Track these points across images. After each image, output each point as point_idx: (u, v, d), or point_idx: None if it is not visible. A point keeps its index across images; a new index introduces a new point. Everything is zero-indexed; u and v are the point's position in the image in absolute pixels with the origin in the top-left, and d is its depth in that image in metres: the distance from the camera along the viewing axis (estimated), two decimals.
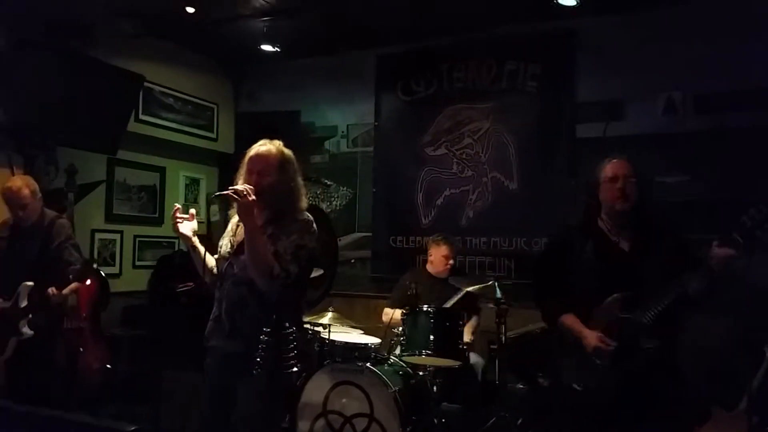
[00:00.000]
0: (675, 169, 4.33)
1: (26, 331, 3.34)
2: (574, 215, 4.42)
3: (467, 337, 3.86)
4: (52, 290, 3.31)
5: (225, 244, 2.50)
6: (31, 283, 3.37)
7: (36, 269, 3.41)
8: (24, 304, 3.36)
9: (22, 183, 3.49)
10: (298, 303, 2.43)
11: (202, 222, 5.97)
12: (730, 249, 2.12)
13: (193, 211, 2.48)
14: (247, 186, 2.27)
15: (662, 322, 2.27)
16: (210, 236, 5.92)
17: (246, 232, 2.27)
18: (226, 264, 2.42)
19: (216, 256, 2.54)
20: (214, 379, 2.41)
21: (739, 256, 2.12)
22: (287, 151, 2.45)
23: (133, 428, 1.41)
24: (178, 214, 2.43)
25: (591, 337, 2.34)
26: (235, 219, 2.47)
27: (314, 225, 2.41)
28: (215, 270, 2.51)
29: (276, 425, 2.51)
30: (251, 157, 2.41)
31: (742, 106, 4.15)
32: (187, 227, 2.45)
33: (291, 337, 2.04)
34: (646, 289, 2.29)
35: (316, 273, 3.23)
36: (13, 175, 4.23)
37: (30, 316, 3.35)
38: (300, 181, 2.46)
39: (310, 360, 3.85)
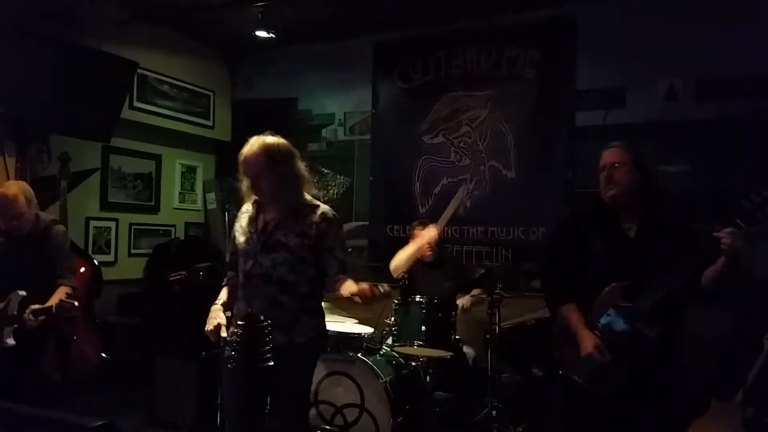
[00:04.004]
0: (676, 157, 4.25)
1: (9, 341, 3.14)
2: (574, 204, 4.41)
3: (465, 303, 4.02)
4: (64, 293, 3.13)
5: (241, 241, 2.45)
6: (23, 293, 3.19)
7: (30, 278, 3.22)
8: (14, 313, 3.17)
9: (17, 189, 3.20)
10: (320, 291, 2.50)
11: (199, 210, 5.96)
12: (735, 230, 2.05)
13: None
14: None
15: (664, 310, 2.21)
16: (207, 223, 5.93)
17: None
18: (251, 263, 2.37)
19: (235, 247, 2.51)
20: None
21: (743, 241, 2.06)
22: (274, 143, 2.39)
23: (99, 423, 1.36)
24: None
25: (588, 343, 2.28)
26: (245, 215, 2.46)
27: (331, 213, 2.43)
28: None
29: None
30: (241, 162, 2.39)
31: (745, 92, 4.07)
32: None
33: (266, 330, 2.00)
34: (652, 276, 2.24)
35: None
36: (5, 163, 4.20)
37: (16, 326, 3.14)
38: (298, 169, 2.42)
39: None
